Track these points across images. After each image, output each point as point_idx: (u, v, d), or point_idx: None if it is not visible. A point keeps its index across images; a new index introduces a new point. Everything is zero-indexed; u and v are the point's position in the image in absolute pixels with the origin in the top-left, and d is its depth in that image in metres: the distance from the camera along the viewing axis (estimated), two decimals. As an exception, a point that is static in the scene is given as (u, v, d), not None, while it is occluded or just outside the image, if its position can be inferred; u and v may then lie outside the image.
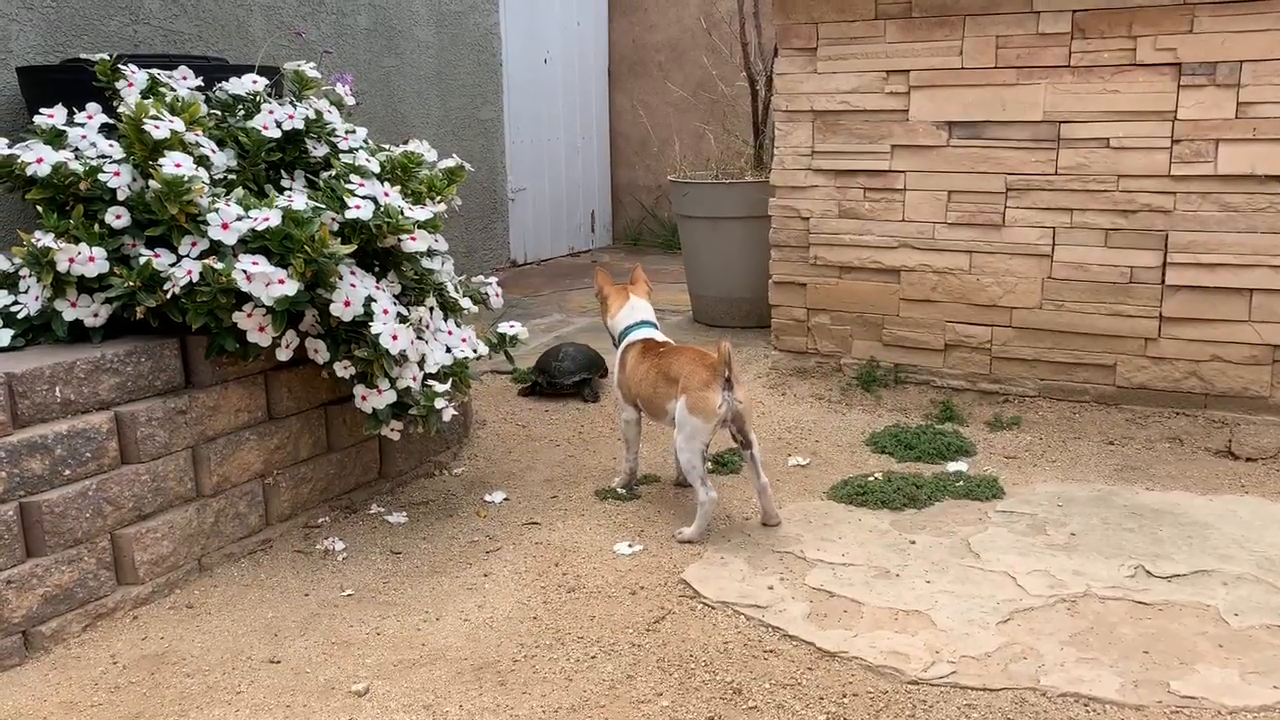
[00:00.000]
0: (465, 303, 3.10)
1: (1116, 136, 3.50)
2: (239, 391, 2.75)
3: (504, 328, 3.12)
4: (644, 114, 7.62)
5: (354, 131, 3.09)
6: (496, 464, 3.44)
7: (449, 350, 2.94)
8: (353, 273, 2.71)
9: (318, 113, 2.99)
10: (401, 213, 2.71)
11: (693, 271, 5.22)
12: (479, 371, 4.36)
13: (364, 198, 2.72)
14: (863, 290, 4.01)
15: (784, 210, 4.12)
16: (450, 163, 3.23)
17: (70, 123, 2.79)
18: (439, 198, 3.01)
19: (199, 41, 4.68)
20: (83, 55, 3.96)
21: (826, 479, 3.25)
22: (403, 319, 2.77)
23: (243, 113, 2.96)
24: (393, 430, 2.81)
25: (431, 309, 2.94)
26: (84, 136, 2.73)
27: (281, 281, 2.52)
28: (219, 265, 2.48)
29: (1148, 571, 2.56)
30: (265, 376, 2.82)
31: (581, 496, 3.15)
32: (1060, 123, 3.57)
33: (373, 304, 2.67)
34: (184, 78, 3.03)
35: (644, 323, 3.16)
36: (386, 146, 3.23)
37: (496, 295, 3.30)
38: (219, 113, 2.99)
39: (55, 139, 2.73)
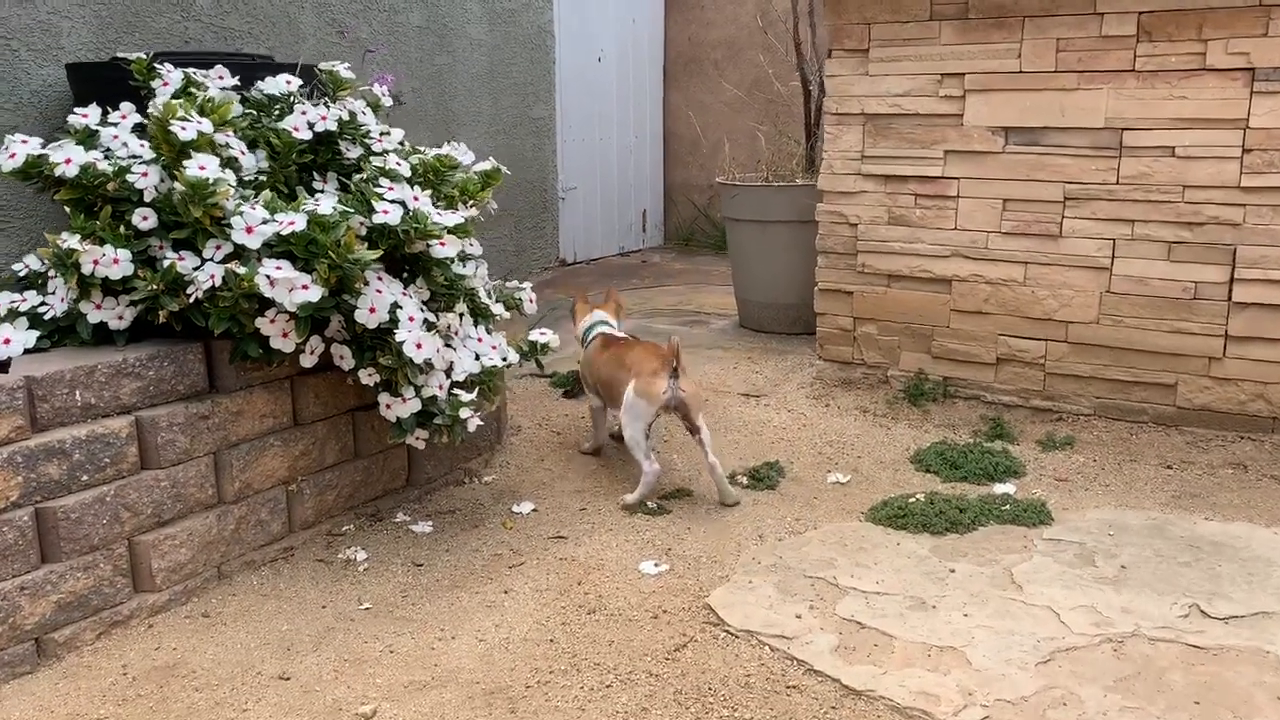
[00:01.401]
0: (497, 308, 3.03)
1: (1183, 145, 3.33)
2: (264, 397, 2.71)
3: (535, 335, 3.05)
4: (698, 113, 7.51)
5: (388, 133, 3.04)
6: (528, 472, 3.37)
7: (478, 358, 2.87)
8: (379, 278, 2.66)
9: (351, 114, 2.94)
10: (429, 218, 2.65)
11: (740, 275, 5.12)
12: (519, 374, 4.31)
13: (393, 202, 2.66)
14: (912, 300, 3.88)
15: (831, 216, 4.00)
16: (486, 165, 3.16)
17: (104, 122, 2.77)
18: (471, 201, 2.95)
19: (249, 38, 4.68)
20: (120, 54, 3.97)
21: (866, 498, 3.14)
22: (430, 326, 2.72)
23: (277, 113, 2.92)
24: (418, 439, 2.76)
25: (461, 315, 2.88)
26: (116, 136, 2.70)
27: (305, 287, 2.47)
28: (242, 270, 2.44)
29: (1202, 611, 2.41)
30: (291, 382, 2.78)
31: (611, 510, 3.07)
32: (1123, 130, 3.41)
33: (398, 311, 2.61)
34: (219, 77, 3.00)
35: (601, 322, 3.52)
36: (422, 149, 3.18)
37: (531, 301, 3.23)
38: (254, 113, 2.96)
39: (88, 139, 2.71)
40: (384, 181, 2.71)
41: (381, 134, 3.03)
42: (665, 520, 2.99)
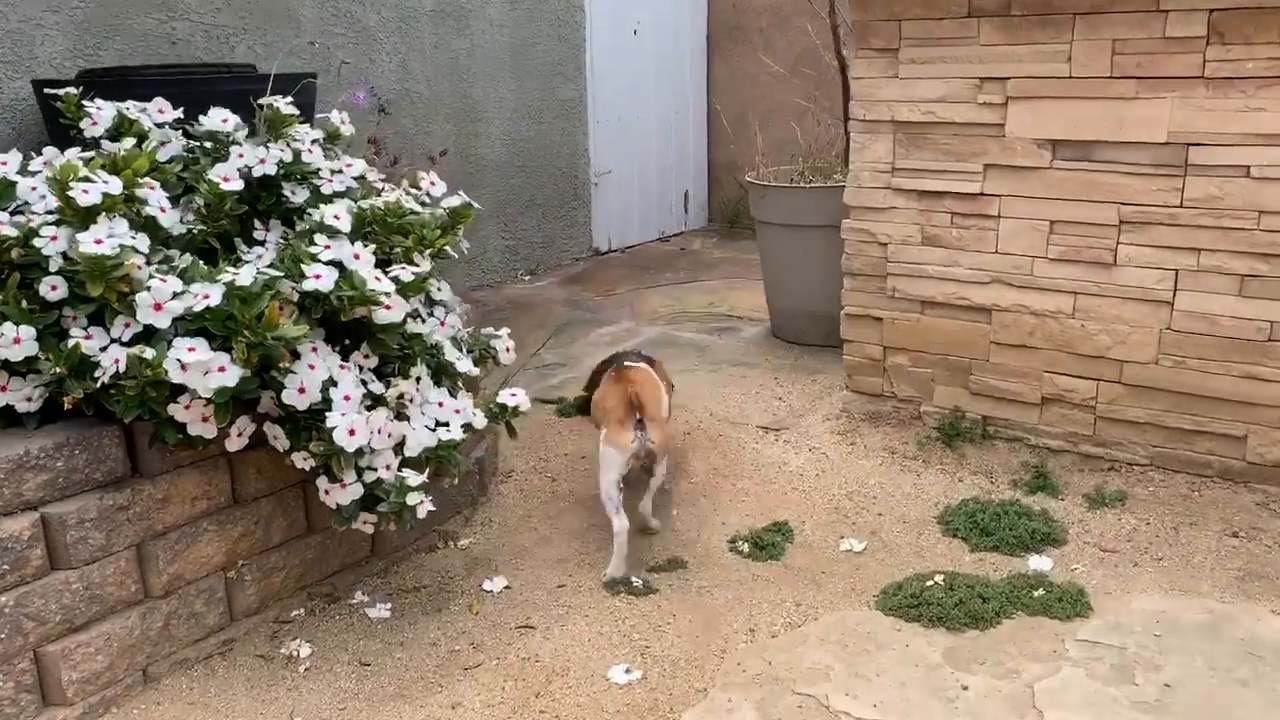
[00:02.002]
0: (465, 364, 2.72)
1: (1260, 164, 2.86)
2: (195, 478, 2.45)
3: (505, 396, 2.74)
4: (744, 85, 7.05)
5: (340, 172, 2.73)
6: (511, 534, 3.08)
7: (437, 427, 2.57)
8: (314, 349, 2.37)
9: (296, 154, 2.64)
10: (366, 283, 2.34)
11: (771, 281, 4.74)
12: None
13: (328, 264, 2.36)
14: (948, 330, 3.47)
15: (859, 234, 3.60)
16: (455, 201, 2.84)
17: (24, 171, 2.51)
18: (430, 250, 2.64)
19: (244, 34, 4.39)
20: (89, 67, 3.72)
21: (880, 574, 2.79)
22: (375, 401, 2.42)
23: (215, 154, 2.64)
24: (365, 524, 2.48)
25: (419, 379, 2.58)
26: (34, 189, 2.43)
27: (222, 369, 2.19)
28: (149, 354, 2.16)
29: (1257, 761, 2.04)
30: (228, 459, 2.52)
31: (591, 586, 2.77)
32: (1189, 145, 2.95)
33: (333, 389, 2.32)
34: (160, 110, 2.73)
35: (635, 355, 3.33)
36: (385, 185, 2.87)
37: (508, 350, 2.91)
38: (199, 148, 2.67)
39: (6, 190, 2.46)
40: (320, 239, 2.41)
41: (334, 172, 2.72)
42: (649, 604, 2.68)
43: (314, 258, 2.37)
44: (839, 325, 3.76)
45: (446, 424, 2.61)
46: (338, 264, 2.37)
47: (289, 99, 2.70)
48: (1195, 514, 3.02)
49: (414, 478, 2.42)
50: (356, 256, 2.42)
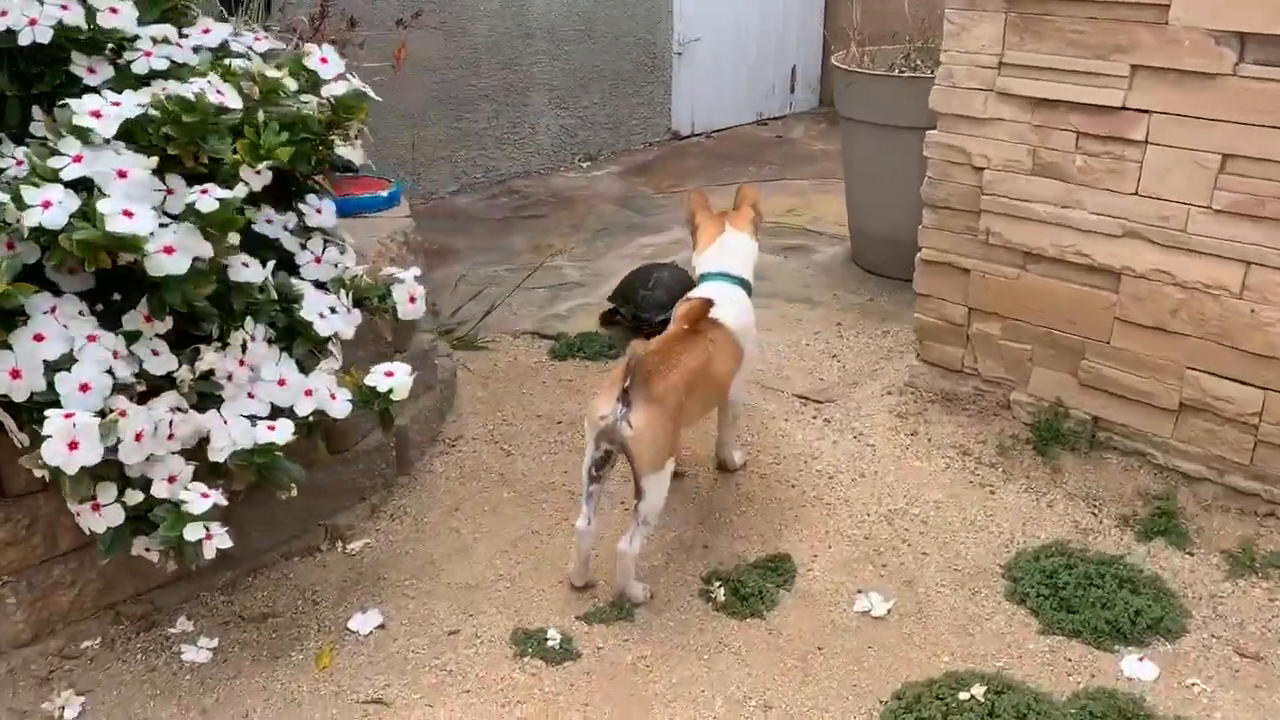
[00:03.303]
0: (330, 324, 1.94)
1: None
2: (-77, 468, 1.77)
3: (376, 376, 1.95)
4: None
5: (184, 38, 1.93)
6: (422, 536, 2.34)
7: (279, 415, 1.82)
8: (52, 310, 1.62)
9: (90, 11, 1.84)
10: (106, 219, 1.56)
11: (854, 195, 3.77)
12: (518, 331, 3.24)
13: (72, 184, 1.59)
14: (1057, 294, 2.50)
15: (947, 151, 2.62)
16: (340, 89, 2.02)
17: None
18: (269, 162, 1.83)
19: None
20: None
21: (898, 664, 1.95)
22: (149, 391, 1.68)
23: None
24: (149, 552, 1.77)
25: (245, 345, 1.81)
26: None
27: (-114, 340, 1.47)
28: None
29: None
30: (-20, 441, 1.82)
31: (494, 638, 2.02)
32: None
33: (61, 375, 1.58)
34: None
35: (722, 274, 2.35)
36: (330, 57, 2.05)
37: (411, 302, 2.11)
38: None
39: None
40: (69, 146, 1.63)
41: (159, 41, 1.92)
42: (559, 679, 1.92)
43: (55, 175, 1.60)
44: (916, 269, 2.82)
45: (292, 411, 1.86)
46: (81, 186, 1.59)
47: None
48: (1392, 606, 2.05)
49: (196, 501, 1.68)
50: (123, 175, 1.63)
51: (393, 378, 1.94)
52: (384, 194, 2.66)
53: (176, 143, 1.75)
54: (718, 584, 2.16)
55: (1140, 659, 1.95)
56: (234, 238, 1.78)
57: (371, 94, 2.06)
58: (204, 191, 1.68)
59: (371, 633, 2.03)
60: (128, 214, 1.56)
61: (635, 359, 1.96)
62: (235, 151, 1.80)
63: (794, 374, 3.00)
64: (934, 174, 2.66)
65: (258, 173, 1.82)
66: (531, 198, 4.59)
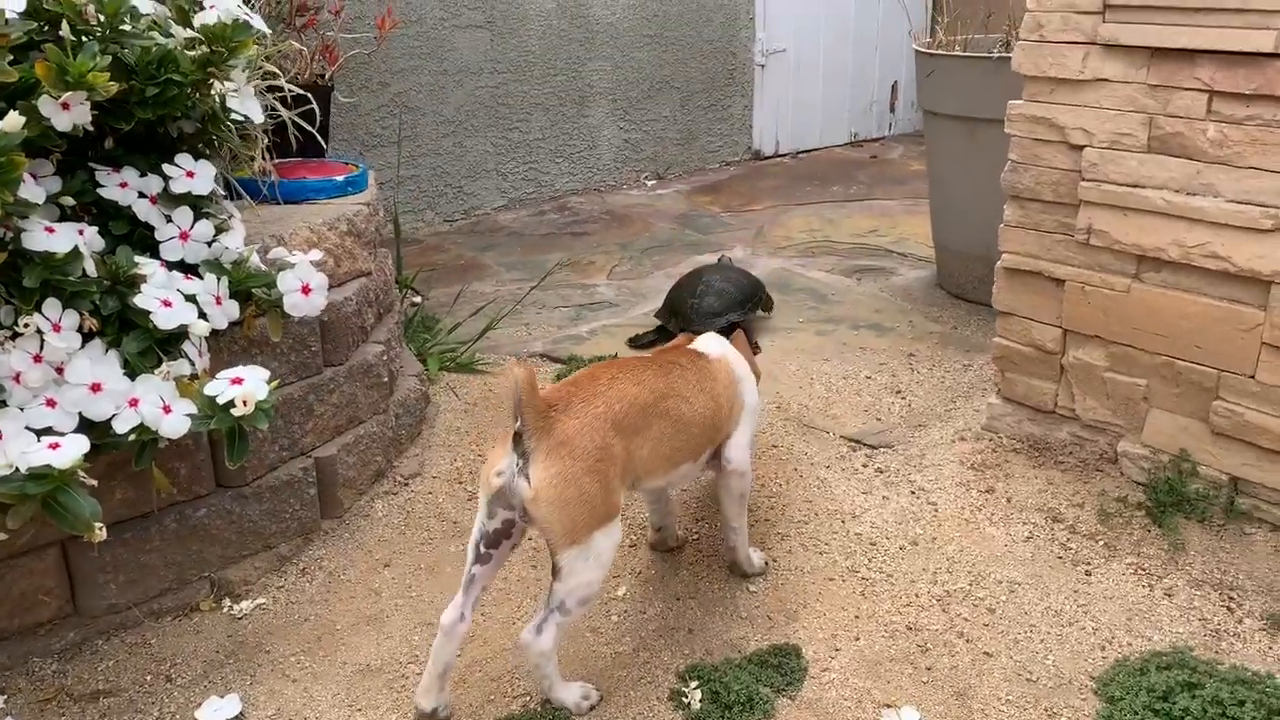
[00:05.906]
0: (174, 316, 1.48)
1: None
2: None
3: (217, 384, 1.47)
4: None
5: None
6: (331, 598, 1.85)
7: (86, 428, 1.36)
8: None
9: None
10: None
11: (938, 207, 3.18)
12: (527, 353, 2.77)
13: None
14: (1182, 311, 1.88)
15: (1033, 125, 2.04)
16: (211, 18, 1.58)
17: None
18: (63, 98, 1.38)
19: None
20: None
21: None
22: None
23: None
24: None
25: (41, 338, 1.36)
26: None
27: None
28: None
29: None
30: None
31: (380, 744, 1.51)
32: None
33: None
34: None
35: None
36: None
37: (306, 293, 1.63)
38: None
39: None
40: None
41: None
42: (444, 812, 1.39)
43: None
44: (998, 284, 2.22)
45: (109, 424, 1.40)
46: None
47: None
48: None
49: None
50: None
51: (240, 385, 1.45)
52: (339, 178, 2.22)
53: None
54: (695, 685, 1.60)
55: (1297, 836, 1.32)
56: (35, 192, 1.34)
57: (260, 24, 1.61)
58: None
59: (225, 726, 1.54)
60: None
61: (521, 387, 1.40)
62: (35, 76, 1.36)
63: (845, 412, 2.43)
64: (1018, 156, 2.07)
65: (64, 107, 1.38)
66: (583, 215, 4.12)
